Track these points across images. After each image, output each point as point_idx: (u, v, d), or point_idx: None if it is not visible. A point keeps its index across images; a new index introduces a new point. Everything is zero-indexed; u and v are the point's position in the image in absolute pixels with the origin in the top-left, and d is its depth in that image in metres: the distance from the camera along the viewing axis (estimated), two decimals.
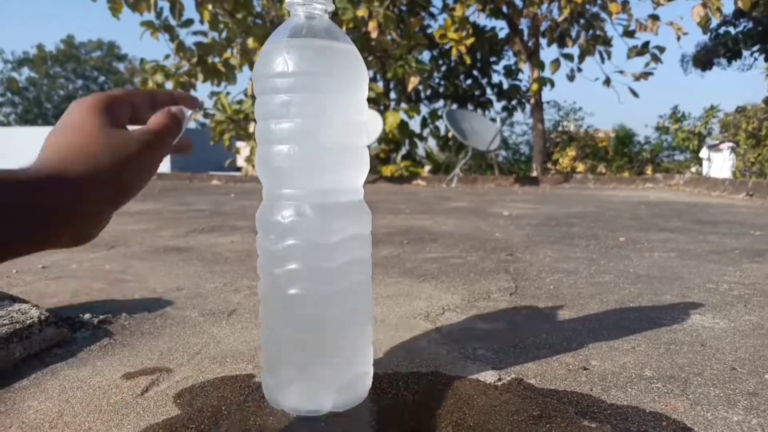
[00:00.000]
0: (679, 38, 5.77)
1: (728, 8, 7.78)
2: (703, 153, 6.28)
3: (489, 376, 0.72)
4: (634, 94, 6.47)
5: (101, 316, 0.98)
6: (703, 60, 10.96)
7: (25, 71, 25.97)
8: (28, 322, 0.81)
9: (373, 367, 0.67)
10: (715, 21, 5.65)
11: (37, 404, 0.66)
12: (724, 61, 10.81)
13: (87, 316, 0.98)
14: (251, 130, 6.88)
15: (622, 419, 0.60)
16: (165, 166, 12.74)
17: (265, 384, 0.64)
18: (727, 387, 0.68)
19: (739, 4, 5.18)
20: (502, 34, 7.48)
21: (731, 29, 10.32)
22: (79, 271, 1.44)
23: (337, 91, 0.56)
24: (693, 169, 7.24)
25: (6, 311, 0.84)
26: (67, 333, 0.87)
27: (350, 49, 0.57)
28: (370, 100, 0.59)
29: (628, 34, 6.25)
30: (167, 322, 0.98)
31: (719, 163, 5.95)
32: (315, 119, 0.55)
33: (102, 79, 26.51)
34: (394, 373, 0.73)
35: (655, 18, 5.98)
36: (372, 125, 5.52)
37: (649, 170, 7.92)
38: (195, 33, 6.39)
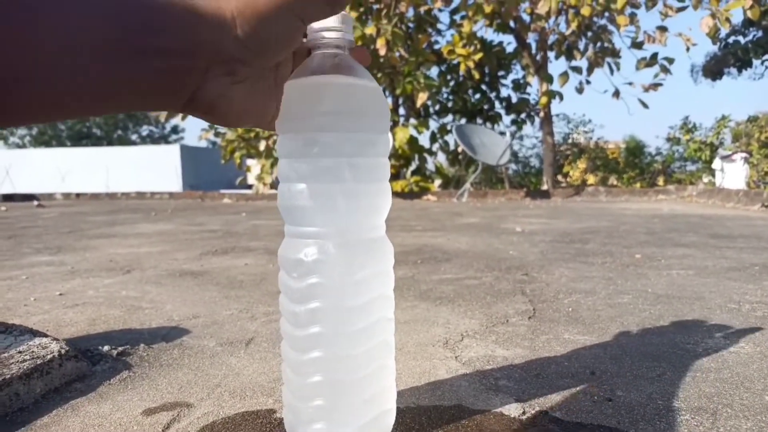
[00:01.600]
0: (688, 49, 5.76)
1: (737, 18, 7.77)
2: (716, 164, 6.23)
3: (513, 410, 0.71)
4: (644, 105, 6.45)
5: (120, 348, 0.99)
6: (713, 70, 10.92)
7: None
8: (48, 357, 0.81)
9: (396, 400, 0.66)
10: (724, 31, 5.64)
11: None
12: (734, 70, 10.76)
13: (106, 348, 0.98)
14: (262, 148, 6.93)
15: None
16: (177, 184, 12.87)
17: (287, 421, 0.64)
18: (758, 419, 0.67)
19: (749, 14, 5.16)
20: (509, 49, 7.51)
21: (741, 38, 10.29)
22: (95, 297, 1.45)
23: (361, 130, 0.56)
24: (706, 180, 7.18)
25: (27, 346, 0.84)
26: (87, 367, 0.87)
27: (373, 87, 0.57)
28: None
29: (637, 45, 6.25)
30: (185, 353, 0.98)
31: (733, 174, 5.89)
32: (338, 159, 0.55)
33: None
34: (416, 407, 0.72)
35: (663, 29, 5.98)
36: None
37: (661, 181, 7.85)
38: None
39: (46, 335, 0.90)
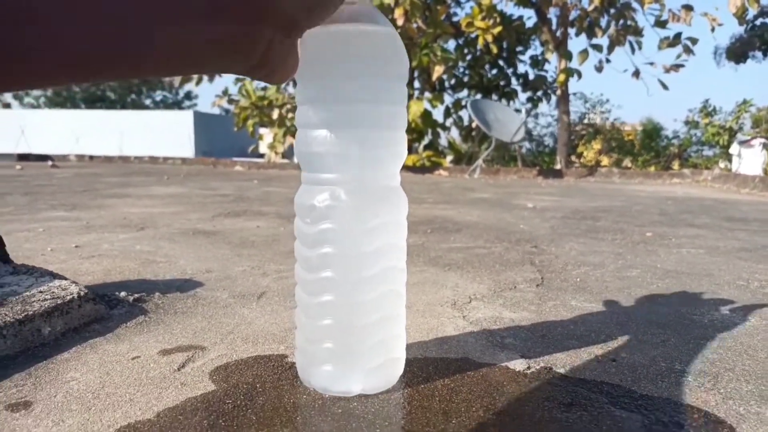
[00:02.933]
0: (713, 29, 5.63)
1: None
2: (734, 149, 6.14)
3: (518, 365, 0.73)
4: (664, 86, 6.34)
5: (136, 295, 1.01)
6: (738, 52, 10.66)
7: None
8: (68, 297, 0.84)
9: (405, 353, 0.68)
10: (752, 12, 5.49)
11: (79, 376, 0.68)
12: (759, 54, 10.51)
13: (123, 294, 1.01)
14: (275, 116, 6.92)
15: (653, 410, 0.60)
16: (190, 150, 12.90)
17: (298, 363, 0.66)
18: (760, 383, 0.68)
19: None
20: (529, 23, 7.37)
21: None
22: (111, 251, 1.48)
23: (377, 77, 0.56)
24: (722, 165, 7.09)
25: (48, 287, 0.87)
26: (105, 309, 0.90)
27: (391, 33, 0.57)
28: None
29: (660, 24, 6.12)
30: (199, 303, 1.00)
31: (750, 160, 5.81)
32: (353, 105, 0.56)
33: None
34: (423, 358, 0.74)
35: (688, 8, 5.84)
36: None
37: (676, 165, 7.76)
38: None
39: (65, 278, 0.93)
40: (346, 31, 0.55)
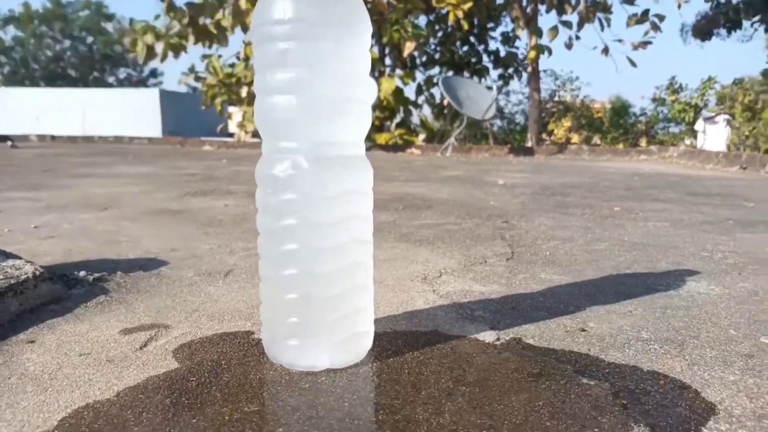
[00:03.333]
0: (680, 6, 5.70)
1: None
2: (699, 125, 6.27)
3: (487, 336, 0.72)
4: (632, 63, 6.41)
5: (96, 274, 0.98)
6: (703, 30, 10.83)
7: (11, 30, 25.29)
8: (22, 277, 0.80)
9: (373, 326, 0.67)
10: None
11: (35, 357, 0.65)
12: (723, 31, 10.69)
13: (82, 273, 0.97)
14: (243, 94, 6.77)
15: (620, 377, 0.61)
16: (156, 130, 12.59)
17: (264, 339, 0.64)
18: (723, 349, 0.69)
19: None
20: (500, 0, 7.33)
21: None
22: (71, 231, 1.43)
23: (338, 40, 0.54)
24: (687, 142, 7.24)
25: (0, 267, 0.83)
26: (63, 289, 0.86)
27: None
28: None
29: (629, 1, 6.15)
30: (163, 281, 0.98)
31: (714, 136, 5.94)
32: (313, 69, 0.54)
33: (90, 39, 25.89)
34: (393, 331, 0.74)
35: None
36: None
37: (643, 142, 7.90)
38: None
39: (19, 257, 0.89)
40: None
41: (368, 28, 0.56)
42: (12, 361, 0.64)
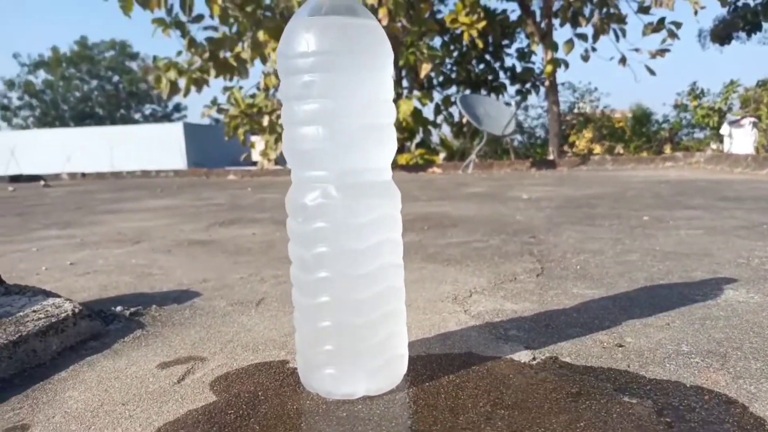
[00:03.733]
0: (696, 12, 5.64)
1: None
2: (724, 129, 6.15)
3: (523, 356, 0.72)
4: (651, 72, 6.35)
5: (132, 309, 1.00)
6: (722, 34, 10.69)
7: (41, 74, 26.31)
8: (62, 315, 0.82)
9: (407, 350, 0.67)
10: None
11: (77, 394, 0.67)
12: (743, 34, 10.53)
13: (119, 308, 0.99)
14: (265, 123, 6.90)
15: (662, 394, 0.59)
16: (181, 162, 12.86)
17: (299, 368, 0.64)
18: None
19: None
20: (513, 17, 7.37)
21: (750, 1, 10.04)
22: (105, 266, 1.46)
23: (359, 69, 0.55)
24: (713, 146, 7.10)
25: (41, 306, 0.85)
26: (101, 326, 0.88)
27: (372, 25, 0.56)
28: None
29: (644, 10, 6.12)
30: (197, 313, 0.99)
31: (741, 139, 5.82)
32: (338, 99, 0.55)
33: (116, 78, 26.76)
34: (427, 355, 0.73)
35: None
36: None
37: (668, 149, 7.78)
38: (206, 28, 6.40)
39: (59, 296, 0.92)
40: (327, 24, 0.54)
41: (390, 57, 0.57)
42: (55, 399, 0.66)
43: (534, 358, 0.71)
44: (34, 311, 0.83)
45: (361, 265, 0.58)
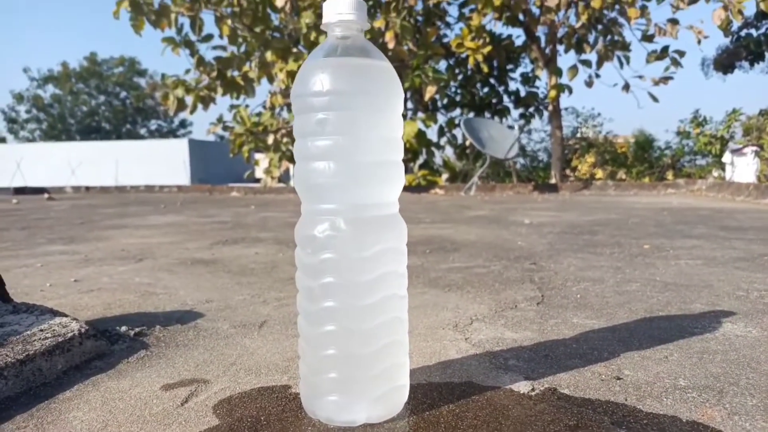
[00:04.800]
0: (699, 42, 5.72)
1: (750, 10, 7.69)
2: (726, 157, 6.18)
3: (522, 387, 0.72)
4: (654, 99, 6.41)
5: (137, 329, 1.01)
6: (725, 63, 10.80)
7: (50, 88, 26.63)
8: (69, 335, 0.83)
9: (408, 380, 0.68)
10: (736, 23, 5.59)
11: (81, 415, 0.68)
12: (746, 63, 10.65)
13: (123, 328, 1.01)
14: (270, 141, 6.96)
15: (659, 429, 0.60)
16: (185, 178, 12.92)
17: (302, 394, 0.66)
18: (764, 396, 0.68)
19: (762, 5, 5.11)
20: (518, 42, 7.47)
21: (753, 31, 10.17)
22: (110, 284, 1.47)
23: (372, 109, 0.58)
24: (715, 174, 7.13)
25: (48, 325, 0.86)
26: (106, 345, 0.89)
27: (385, 66, 0.58)
28: None
29: (647, 38, 6.21)
30: (200, 334, 1.00)
31: (743, 168, 5.84)
32: (350, 137, 0.57)
33: (124, 94, 27.07)
34: (427, 383, 0.74)
35: (674, 22, 5.93)
36: None
37: (670, 176, 7.81)
38: (215, 48, 6.51)
39: (66, 315, 0.93)
40: (340, 65, 0.57)
41: (400, 95, 0.60)
42: (60, 419, 0.67)
43: (533, 389, 0.72)
44: (41, 330, 0.84)
45: (367, 296, 0.59)
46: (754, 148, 5.82)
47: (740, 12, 5.19)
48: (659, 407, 0.66)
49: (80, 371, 0.82)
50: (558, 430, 0.60)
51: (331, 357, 0.60)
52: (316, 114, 0.57)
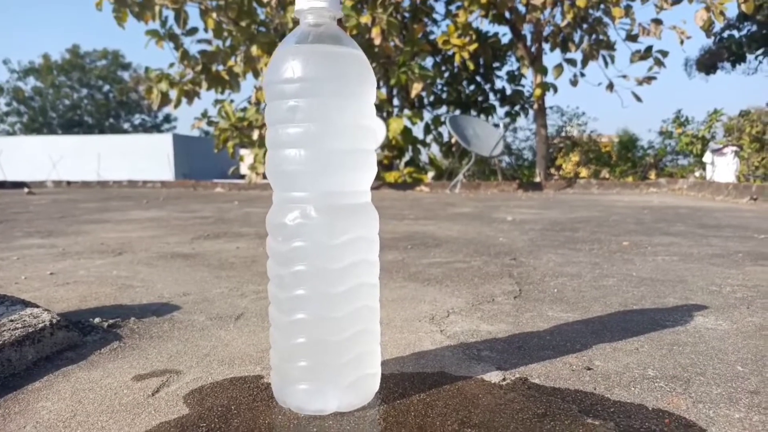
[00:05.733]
0: (682, 42, 5.78)
1: (732, 12, 7.81)
2: (707, 157, 6.27)
3: (494, 376, 0.73)
4: (638, 98, 6.48)
5: (111, 320, 1.00)
6: (707, 64, 10.95)
7: (31, 80, 26.20)
8: (39, 325, 0.82)
9: (380, 368, 0.68)
10: (718, 25, 5.66)
11: (50, 405, 0.67)
12: (728, 64, 10.80)
13: (97, 320, 1.00)
14: (255, 137, 6.92)
15: (625, 416, 0.61)
16: (169, 173, 12.80)
17: (273, 383, 0.65)
18: (729, 386, 0.69)
19: (743, 7, 5.19)
20: (505, 40, 7.50)
21: (735, 33, 10.32)
22: (86, 277, 1.46)
23: (343, 96, 0.58)
24: (696, 174, 7.23)
25: (19, 315, 0.85)
26: (78, 336, 0.88)
27: (356, 54, 0.58)
28: None
29: (631, 38, 6.26)
30: (175, 326, 0.99)
31: (723, 167, 5.94)
32: (321, 124, 0.57)
33: (107, 87, 26.70)
34: (400, 373, 0.74)
35: (658, 22, 6.00)
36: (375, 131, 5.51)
37: (652, 175, 7.90)
38: (199, 41, 6.44)
39: (37, 306, 0.92)
40: (312, 51, 0.56)
41: (372, 83, 0.60)
42: (27, 409, 0.66)
43: (504, 379, 0.72)
44: (12, 321, 0.83)
45: (337, 284, 0.59)
46: (734, 148, 5.91)
47: (722, 13, 5.26)
48: (627, 396, 0.67)
49: (51, 362, 0.81)
50: (526, 418, 0.61)
51: (302, 345, 0.60)
52: (287, 101, 0.56)
